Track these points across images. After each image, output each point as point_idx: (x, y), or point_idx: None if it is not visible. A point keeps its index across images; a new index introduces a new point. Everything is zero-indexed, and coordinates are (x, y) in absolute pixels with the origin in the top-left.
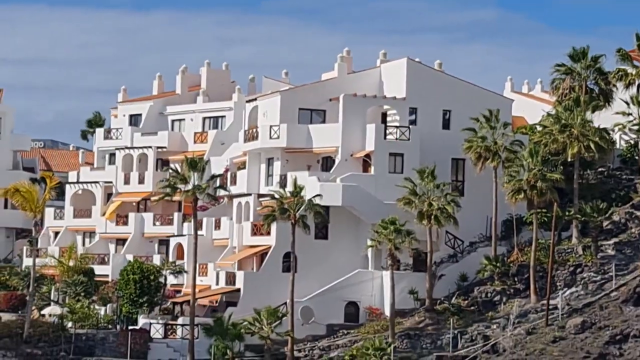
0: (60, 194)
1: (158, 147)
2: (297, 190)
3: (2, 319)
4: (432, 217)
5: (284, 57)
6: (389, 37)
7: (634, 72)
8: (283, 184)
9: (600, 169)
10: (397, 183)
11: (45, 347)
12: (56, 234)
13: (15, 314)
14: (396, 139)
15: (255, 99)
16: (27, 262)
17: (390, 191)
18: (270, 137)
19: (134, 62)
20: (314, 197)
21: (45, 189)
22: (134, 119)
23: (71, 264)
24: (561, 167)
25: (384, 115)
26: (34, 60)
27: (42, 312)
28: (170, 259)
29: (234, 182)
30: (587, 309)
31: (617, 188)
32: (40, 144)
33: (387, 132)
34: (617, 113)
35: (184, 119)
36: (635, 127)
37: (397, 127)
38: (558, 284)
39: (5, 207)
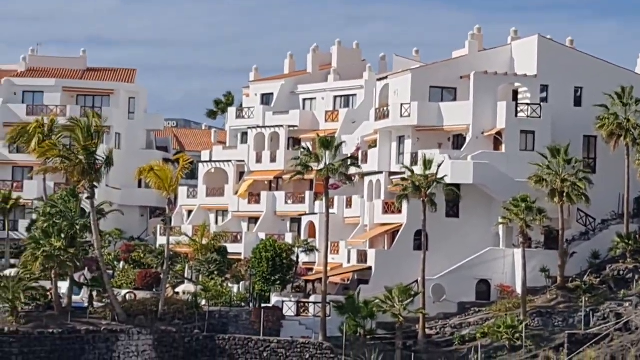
0: (193, 173)
1: (289, 126)
2: (428, 167)
3: (137, 297)
4: (564, 194)
5: (414, 35)
6: (519, 15)
7: None
8: (414, 162)
9: None
10: (528, 161)
11: (179, 325)
12: (189, 212)
13: (150, 292)
14: (527, 116)
15: (386, 77)
16: (161, 240)
17: (521, 169)
18: (401, 116)
19: (266, 41)
20: (442, 177)
21: (179, 168)
22: (266, 98)
23: (204, 242)
24: None
25: (515, 93)
26: (166, 41)
27: (176, 290)
28: (302, 237)
29: (365, 160)
30: None
31: None
32: (173, 124)
33: (518, 109)
34: None
35: (315, 98)
36: None
37: (528, 104)
38: None
39: (139, 186)
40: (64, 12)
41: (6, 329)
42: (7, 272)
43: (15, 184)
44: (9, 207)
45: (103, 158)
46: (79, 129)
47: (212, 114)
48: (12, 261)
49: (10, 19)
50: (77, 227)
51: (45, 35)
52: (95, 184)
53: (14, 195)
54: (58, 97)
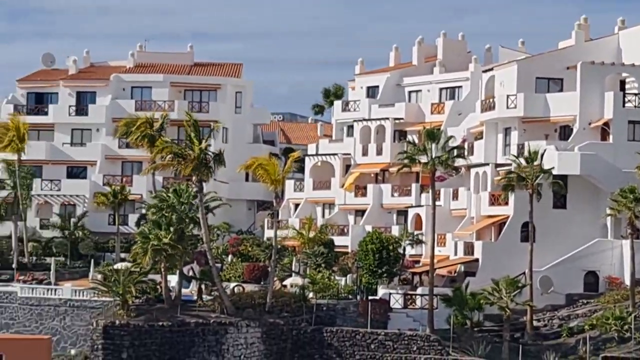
0: (300, 166)
1: (395, 119)
2: (534, 159)
3: (245, 290)
4: None
5: (519, 26)
6: (626, 4)
7: None
8: (520, 153)
9: None
10: (636, 151)
11: (287, 317)
12: (296, 205)
13: (258, 285)
14: (635, 106)
15: (492, 69)
16: (269, 233)
17: (629, 159)
18: (507, 107)
19: (371, 33)
20: (549, 169)
21: (286, 161)
22: (371, 91)
23: (311, 235)
24: None
25: (622, 83)
26: (272, 34)
27: (284, 283)
28: (409, 230)
29: (471, 152)
30: None
31: None
32: (279, 117)
33: (626, 99)
34: None
35: (420, 90)
36: None
37: (636, 94)
38: None
39: (247, 180)
40: (171, 8)
41: (117, 322)
42: (117, 266)
43: (124, 179)
44: (119, 201)
45: (212, 154)
46: (192, 125)
47: (319, 109)
48: (123, 255)
49: (118, 16)
50: (186, 221)
51: (152, 31)
52: (204, 179)
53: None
54: (166, 93)
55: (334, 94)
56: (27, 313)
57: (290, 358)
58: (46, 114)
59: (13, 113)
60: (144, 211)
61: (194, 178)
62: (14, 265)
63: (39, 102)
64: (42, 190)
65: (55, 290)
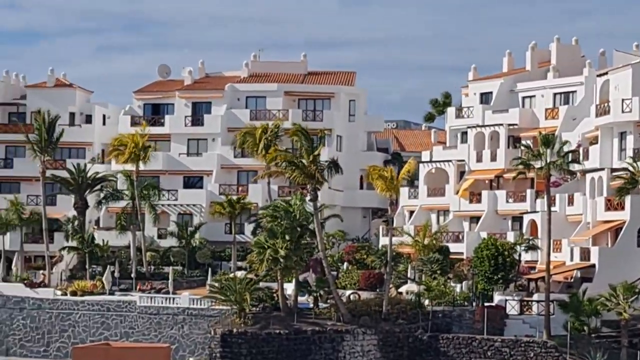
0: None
1: (509, 125)
2: None
3: (361, 297)
4: None
5: (634, 29)
6: None
7: None
8: (636, 157)
9: None
10: None
11: (403, 325)
12: (411, 212)
13: (374, 292)
14: None
15: (606, 73)
16: (384, 241)
17: None
18: (623, 111)
19: (483, 39)
20: None
21: (400, 169)
22: (485, 97)
23: (426, 242)
24: None
25: None
26: (384, 41)
27: (400, 290)
28: (524, 236)
29: (586, 157)
30: None
31: None
32: (393, 125)
33: None
34: None
35: (534, 96)
36: None
37: None
38: None
39: (361, 187)
40: (284, 17)
41: (235, 330)
42: (234, 275)
43: (240, 188)
44: (235, 211)
45: (326, 162)
46: (302, 134)
47: (429, 117)
48: (239, 263)
49: (233, 27)
50: (298, 229)
51: (266, 41)
52: (318, 187)
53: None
54: (280, 102)
55: (443, 103)
56: (146, 322)
57: None
58: (162, 124)
59: (139, 129)
60: (258, 219)
61: (308, 186)
62: (132, 275)
63: (156, 113)
64: (160, 201)
65: (174, 299)
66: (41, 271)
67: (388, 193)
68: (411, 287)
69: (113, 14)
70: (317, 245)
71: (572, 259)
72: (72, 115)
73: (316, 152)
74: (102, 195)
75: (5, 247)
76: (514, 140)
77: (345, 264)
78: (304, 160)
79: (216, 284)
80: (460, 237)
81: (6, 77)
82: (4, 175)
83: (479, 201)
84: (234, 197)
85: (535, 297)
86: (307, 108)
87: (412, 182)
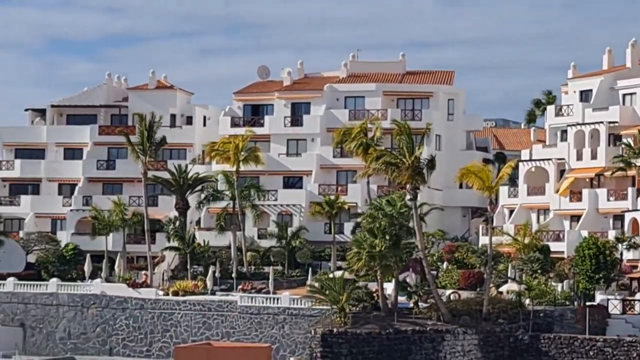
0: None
1: (609, 122)
2: None
3: (461, 297)
4: None
5: None
6: None
7: None
8: None
9: None
10: None
11: (503, 324)
12: (511, 211)
13: (474, 292)
14: None
15: None
16: (483, 240)
17: None
18: None
19: (584, 36)
20: None
21: (500, 168)
22: (585, 95)
23: (526, 241)
24: None
25: None
26: (484, 40)
27: (500, 290)
28: (626, 234)
29: None
30: None
31: None
32: (492, 124)
33: None
34: None
35: (635, 93)
36: None
37: None
38: None
39: (461, 187)
40: (382, 18)
41: (335, 329)
42: (334, 274)
43: (339, 188)
44: (334, 211)
45: (425, 161)
46: (403, 133)
47: (531, 117)
48: (339, 263)
49: (331, 28)
50: (397, 228)
51: (364, 41)
52: (418, 185)
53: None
54: (379, 102)
55: (547, 101)
56: (247, 322)
57: None
58: (262, 125)
59: (243, 132)
60: (358, 219)
61: (407, 186)
62: (233, 275)
63: (255, 114)
64: (260, 201)
65: (274, 299)
66: (143, 271)
67: (486, 192)
68: (512, 286)
69: (213, 17)
70: (417, 245)
71: None
72: (173, 116)
73: (418, 152)
74: (202, 195)
75: (108, 247)
76: (615, 138)
77: (445, 263)
78: (404, 160)
79: (316, 284)
80: (561, 236)
81: (108, 80)
82: (107, 176)
83: (579, 200)
84: (333, 197)
85: (638, 296)
86: (405, 107)
87: (513, 181)
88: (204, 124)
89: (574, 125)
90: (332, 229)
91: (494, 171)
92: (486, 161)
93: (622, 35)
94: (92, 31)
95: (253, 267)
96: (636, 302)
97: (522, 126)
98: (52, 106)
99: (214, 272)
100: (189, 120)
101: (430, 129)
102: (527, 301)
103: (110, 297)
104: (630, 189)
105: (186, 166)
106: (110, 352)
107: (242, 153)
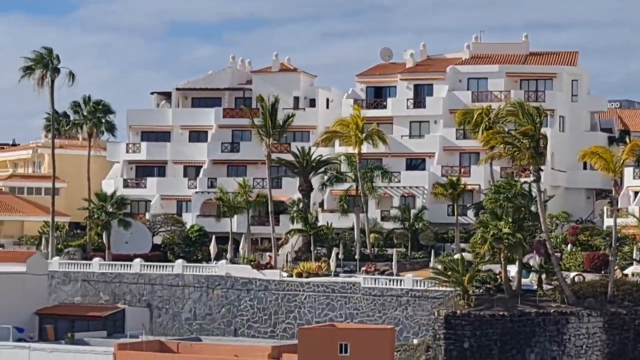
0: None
1: None
2: None
3: (585, 279)
4: None
5: None
6: None
7: None
8: None
9: None
10: None
11: (629, 307)
12: (635, 193)
13: (599, 274)
14: None
15: None
16: (608, 222)
17: None
18: None
19: None
20: None
21: (624, 149)
22: None
23: None
24: None
25: None
26: (608, 22)
27: (625, 272)
28: None
29: None
30: None
31: None
32: (617, 105)
33: None
34: None
35: None
36: None
37: None
38: None
39: (585, 168)
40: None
41: (458, 311)
42: (457, 256)
43: (462, 170)
44: (457, 192)
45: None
46: (523, 114)
47: None
48: (462, 245)
49: (454, 9)
50: (524, 210)
51: (487, 23)
52: (540, 167)
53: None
54: (502, 83)
55: None
56: (370, 303)
57: (632, 348)
58: (385, 107)
59: (353, 106)
60: (481, 198)
61: (531, 167)
62: (356, 257)
63: (378, 96)
64: (383, 183)
65: (398, 280)
66: (267, 253)
67: (611, 173)
68: (637, 268)
69: (334, 0)
70: (541, 227)
71: None
72: (296, 99)
73: (538, 133)
74: (326, 177)
75: (232, 229)
76: None
77: (569, 245)
78: (526, 142)
79: (439, 266)
80: None
81: (232, 63)
82: (231, 159)
83: None
84: (456, 179)
85: None
86: (529, 89)
87: (638, 162)
88: (327, 107)
89: None
90: (455, 211)
91: (618, 152)
92: (611, 142)
93: None
94: (213, 15)
95: (376, 249)
96: None
97: None
98: (177, 89)
99: (337, 254)
100: (312, 103)
101: (551, 111)
102: None
103: (235, 279)
104: None
105: (309, 148)
106: (235, 333)
107: (363, 134)
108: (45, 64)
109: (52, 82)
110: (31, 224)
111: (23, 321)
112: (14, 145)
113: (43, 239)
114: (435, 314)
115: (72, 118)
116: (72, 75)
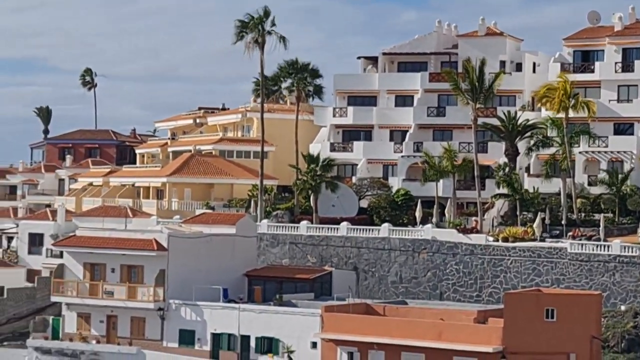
0: None
1: None
2: None
3: None
4: None
5: None
6: None
7: None
8: None
9: None
10: None
11: None
12: None
13: None
14: None
15: None
16: None
17: None
18: None
19: None
20: None
21: None
22: None
23: None
24: None
25: None
26: None
27: None
28: None
29: None
30: None
31: None
32: None
33: None
34: None
35: None
36: None
37: None
38: None
39: None
40: None
41: None
42: None
43: None
44: None
45: None
46: None
47: None
48: None
49: None
50: None
51: None
52: None
53: None
54: None
55: None
56: (577, 269)
57: None
58: (592, 71)
59: (560, 74)
60: None
61: None
62: (563, 222)
63: (585, 60)
64: (590, 147)
65: (605, 246)
66: (473, 217)
67: None
68: None
69: None
70: None
71: None
72: (502, 63)
73: None
74: (532, 142)
75: (438, 193)
76: None
77: None
78: None
79: None
80: None
81: (438, 27)
82: (437, 123)
83: None
84: None
85: None
86: None
87: None
88: (534, 71)
89: None
90: None
91: None
92: None
93: None
94: None
95: (583, 214)
96: None
97: None
98: (384, 54)
99: (543, 219)
100: (519, 67)
101: None
102: None
103: (440, 243)
104: None
105: (515, 113)
106: (441, 297)
107: (571, 101)
108: (256, 26)
109: (263, 45)
110: (240, 187)
111: (232, 283)
112: (223, 109)
113: (252, 202)
114: None
115: (280, 82)
116: (283, 39)
